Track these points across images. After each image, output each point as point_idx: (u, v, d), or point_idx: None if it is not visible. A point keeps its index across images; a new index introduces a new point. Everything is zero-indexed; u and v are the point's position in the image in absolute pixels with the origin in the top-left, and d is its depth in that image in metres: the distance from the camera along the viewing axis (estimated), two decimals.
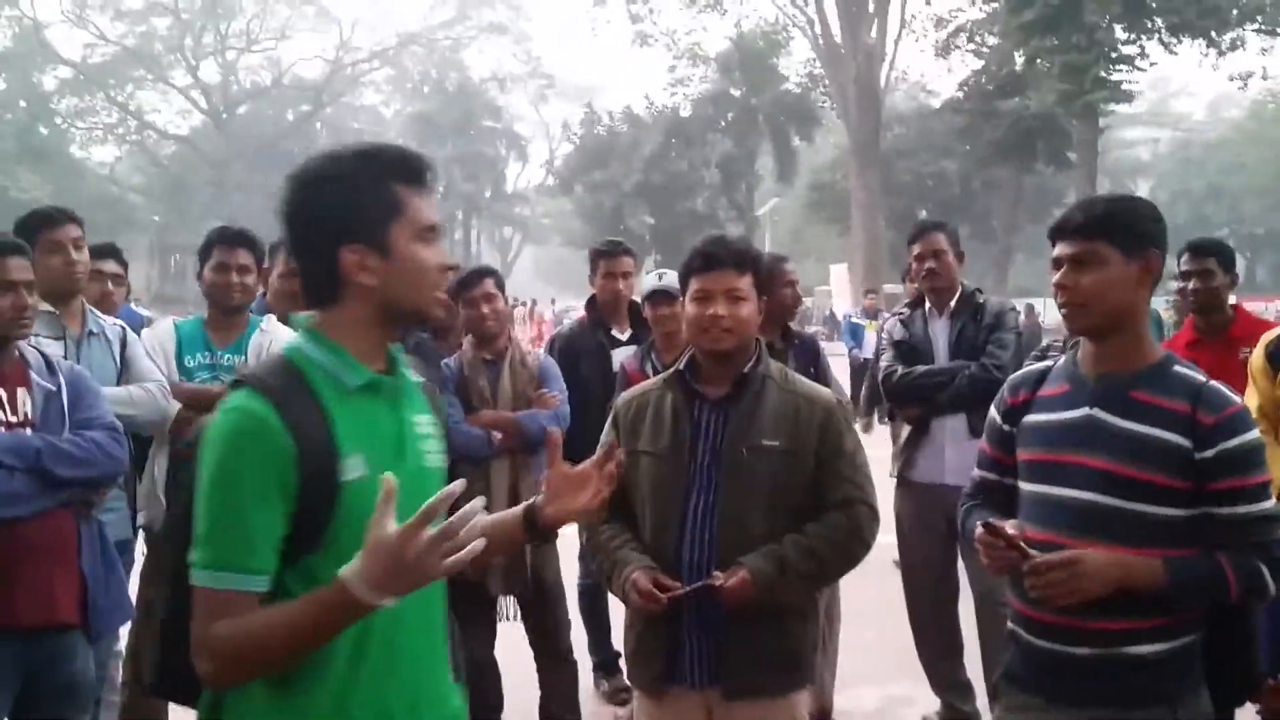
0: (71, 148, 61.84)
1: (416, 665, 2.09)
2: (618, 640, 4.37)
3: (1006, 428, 2.91)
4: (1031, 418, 2.83)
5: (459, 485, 1.80)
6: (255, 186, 55.97)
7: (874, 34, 42.16)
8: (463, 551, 1.76)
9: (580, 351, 5.69)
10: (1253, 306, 7.54)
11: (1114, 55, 33.74)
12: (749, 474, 3.16)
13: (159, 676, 2.15)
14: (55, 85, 60.48)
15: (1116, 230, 2.64)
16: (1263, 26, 34.69)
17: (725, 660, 3.14)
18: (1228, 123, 65.40)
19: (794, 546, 3.12)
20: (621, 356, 5.46)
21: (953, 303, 5.19)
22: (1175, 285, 6.00)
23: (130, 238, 47.60)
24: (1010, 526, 2.70)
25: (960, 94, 43.19)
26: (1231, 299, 5.33)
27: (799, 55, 49.47)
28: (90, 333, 4.30)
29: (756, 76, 48.04)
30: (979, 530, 2.70)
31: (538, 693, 4.96)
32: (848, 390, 7.00)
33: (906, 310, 5.47)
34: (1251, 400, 4.09)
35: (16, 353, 3.53)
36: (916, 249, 5.25)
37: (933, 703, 5.35)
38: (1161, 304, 13.47)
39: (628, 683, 3.59)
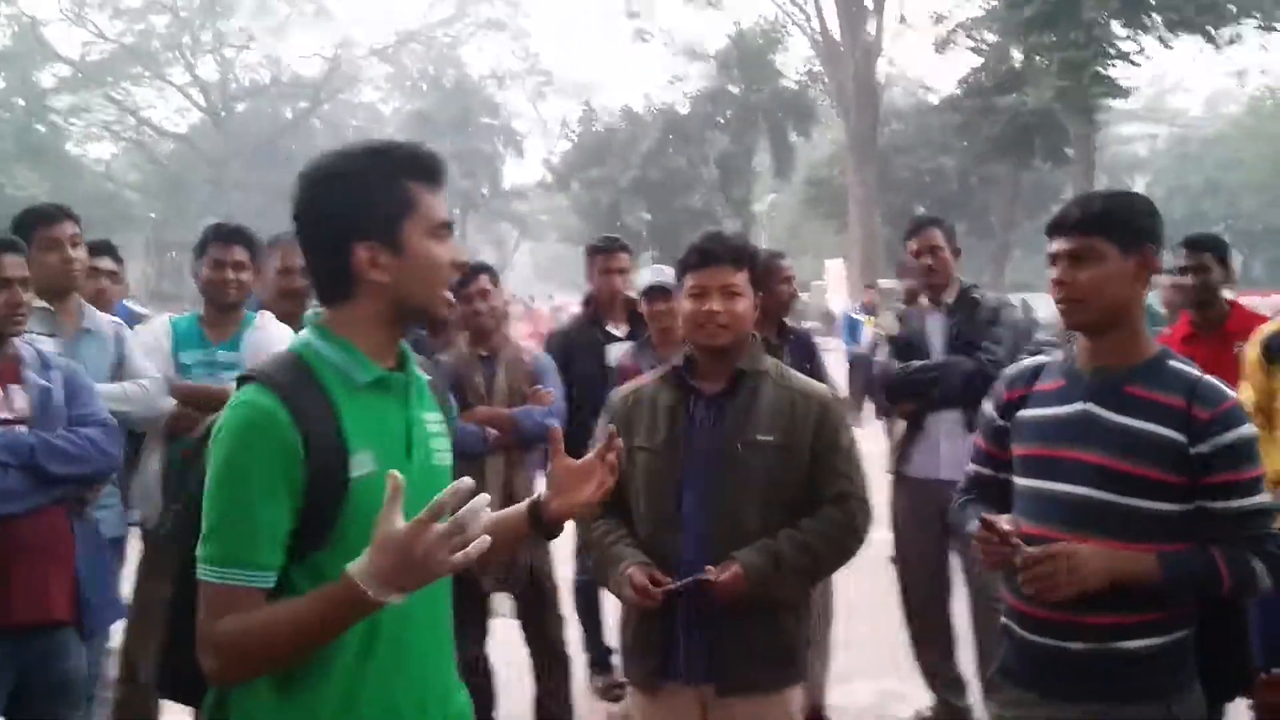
0: (68, 145, 61.68)
1: (424, 662, 2.09)
2: (612, 636, 4.38)
3: (1001, 422, 2.92)
4: (1027, 413, 2.83)
5: (467, 483, 1.79)
6: (253, 184, 55.89)
7: (872, 30, 42.17)
8: (470, 547, 1.76)
9: (576, 348, 5.69)
10: (1249, 301, 7.57)
11: (1112, 51, 33.73)
12: (744, 469, 3.17)
13: (162, 675, 2.14)
14: (53, 83, 60.36)
15: (1114, 226, 2.65)
16: (1261, 22, 34.69)
17: (719, 656, 3.14)
18: (1225, 118, 65.38)
19: (788, 541, 3.12)
20: (618, 352, 5.47)
21: (949, 298, 5.19)
22: (1165, 280, 6.00)
23: (127, 235, 47.49)
24: (1006, 522, 2.70)
25: (958, 90, 43.15)
26: (1229, 294, 5.33)
27: (797, 52, 49.53)
28: (85, 329, 4.30)
29: (755, 73, 47.97)
30: (974, 525, 2.70)
31: (532, 689, 4.96)
32: (844, 386, 7.01)
33: (902, 306, 5.47)
34: (1246, 395, 4.10)
35: (11, 349, 3.53)
36: (913, 245, 5.24)
37: (926, 698, 5.34)
38: (1153, 296, 13.47)
39: (622, 679, 3.59)
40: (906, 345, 5.24)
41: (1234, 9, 33.50)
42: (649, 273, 5.28)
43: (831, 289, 40.21)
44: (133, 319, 5.30)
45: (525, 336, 21.32)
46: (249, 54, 65.74)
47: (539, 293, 45.71)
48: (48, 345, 3.89)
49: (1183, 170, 63.44)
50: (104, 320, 4.40)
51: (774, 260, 5.34)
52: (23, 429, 3.42)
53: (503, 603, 4.87)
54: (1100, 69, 33.33)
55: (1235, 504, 2.56)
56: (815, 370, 4.99)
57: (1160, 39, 34.24)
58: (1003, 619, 2.87)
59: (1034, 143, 40.39)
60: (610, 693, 5.62)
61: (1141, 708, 2.61)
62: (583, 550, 4.99)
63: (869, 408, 7.39)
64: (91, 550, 3.62)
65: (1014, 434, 2.86)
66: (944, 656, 5.27)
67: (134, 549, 4.53)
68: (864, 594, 5.88)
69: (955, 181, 47.92)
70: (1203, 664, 2.68)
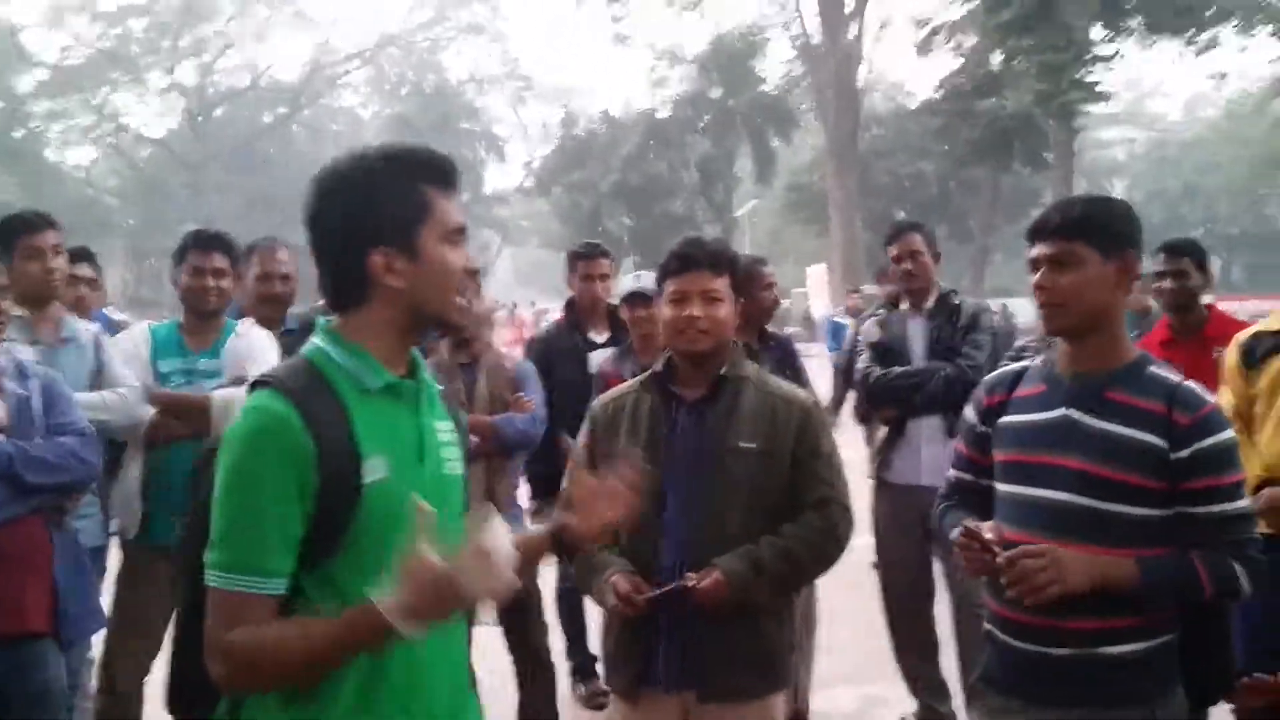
0: (46, 150, 61.40)
1: (438, 675, 2.07)
2: (595, 644, 4.37)
3: (982, 428, 2.92)
4: (1007, 418, 2.84)
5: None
6: (232, 189, 55.75)
7: (852, 35, 42.28)
8: (503, 579, 1.77)
9: (557, 354, 5.69)
10: (1227, 306, 7.60)
11: (1090, 55, 33.89)
12: (726, 475, 3.17)
13: (171, 686, 2.13)
14: (31, 88, 60.07)
15: (1094, 231, 2.65)
16: (1238, 26, 34.91)
17: (700, 662, 3.14)
18: (1203, 122, 65.80)
19: (769, 547, 3.12)
20: (599, 359, 5.46)
21: (929, 303, 5.21)
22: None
23: (105, 241, 47.31)
24: (988, 529, 2.70)
25: (937, 94, 43.31)
26: (1208, 299, 5.35)
27: (777, 56, 49.61)
28: (64, 338, 4.27)
29: (735, 78, 48.05)
30: (956, 533, 2.71)
31: (515, 698, 4.94)
32: (826, 392, 7.00)
33: (883, 311, 5.48)
34: (1225, 400, 4.10)
35: None
36: (893, 250, 5.25)
37: (909, 704, 5.34)
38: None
39: (605, 686, 3.58)
40: (887, 351, 5.25)
41: (1212, 13, 33.70)
42: (629, 279, 5.27)
43: (813, 294, 40.27)
44: (112, 326, 5.28)
45: (508, 343, 21.28)
46: (227, 58, 65.52)
47: (520, 298, 45.69)
48: (26, 353, 3.87)
49: (1161, 174, 63.84)
50: (83, 328, 4.37)
51: (755, 266, 5.34)
52: (0, 438, 3.40)
53: (486, 611, 4.85)
54: (1079, 73, 33.47)
55: (1216, 509, 2.57)
56: (796, 376, 4.99)
57: (1139, 43, 34.41)
58: (985, 625, 2.88)
59: (1013, 147, 40.55)
60: (594, 700, 5.61)
61: (1125, 713, 2.61)
62: (562, 557, 4.98)
63: (846, 412, 7.40)
64: (70, 560, 3.59)
65: (995, 440, 2.86)
66: (926, 662, 5.27)
67: (114, 559, 4.50)
68: (847, 600, 5.88)
69: (935, 186, 48.12)
70: (1185, 668, 2.69)
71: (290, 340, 4.81)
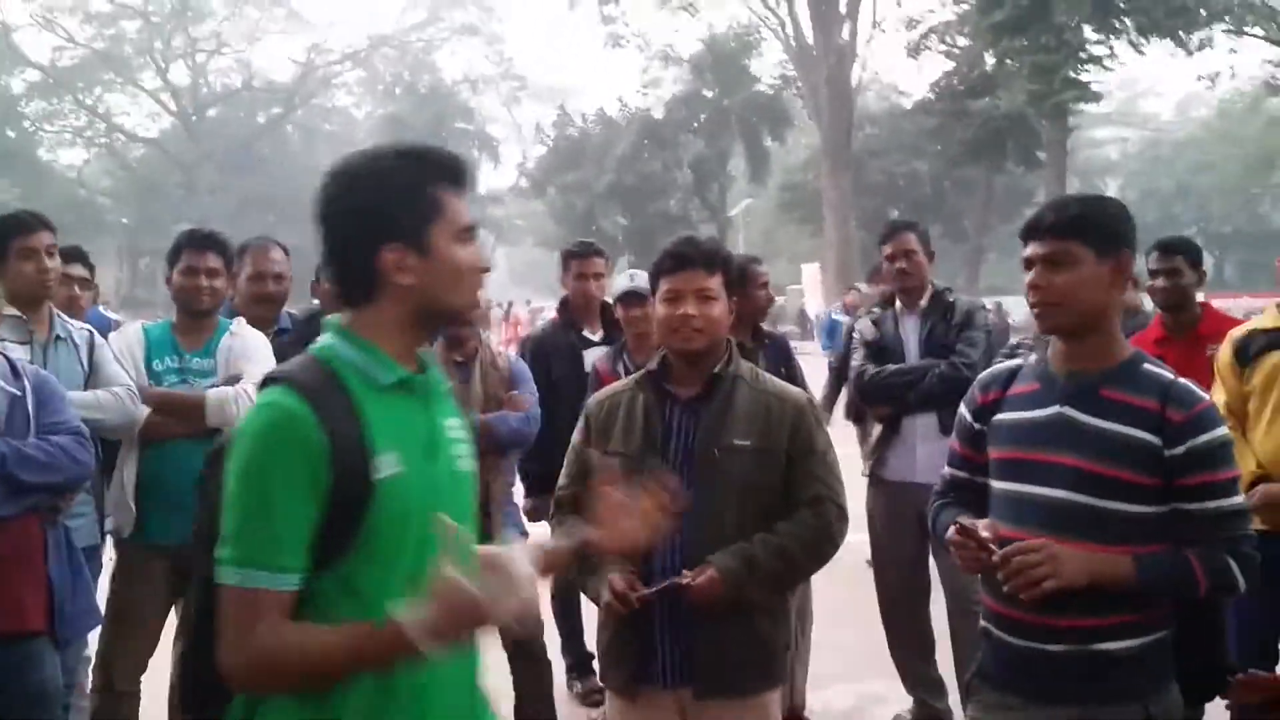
0: (40, 151, 61.42)
1: (453, 678, 2.05)
2: (591, 641, 4.37)
3: (977, 426, 2.92)
4: (1002, 416, 2.84)
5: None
6: (225, 189, 55.66)
7: (845, 35, 42.32)
8: (525, 601, 1.78)
9: (552, 353, 5.69)
10: (1221, 304, 7.63)
11: (1083, 55, 33.95)
12: (721, 474, 3.17)
13: (184, 687, 2.12)
14: (23, 88, 60.03)
15: (1089, 230, 2.66)
16: (1230, 26, 34.97)
17: (697, 660, 3.14)
18: (1196, 122, 65.84)
19: (763, 545, 3.13)
20: (593, 357, 5.46)
21: (923, 302, 5.21)
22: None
23: (99, 241, 47.29)
24: (984, 527, 2.71)
25: (931, 94, 43.38)
26: (1200, 297, 5.36)
27: (771, 56, 49.62)
28: (57, 337, 4.26)
29: (729, 77, 48.11)
30: (951, 531, 2.71)
31: (511, 695, 4.94)
32: (819, 391, 7.00)
33: (878, 309, 5.49)
34: (1219, 397, 4.12)
35: None
36: (887, 249, 5.26)
37: (905, 701, 5.36)
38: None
39: (601, 684, 3.58)
40: (881, 349, 5.26)
41: (1204, 13, 33.76)
42: (623, 278, 5.28)
43: (808, 293, 40.33)
44: (105, 326, 5.27)
45: (504, 342, 21.25)
46: (221, 59, 65.47)
47: (516, 297, 45.69)
48: (19, 353, 3.86)
49: (1154, 173, 63.93)
50: (76, 328, 4.36)
51: (750, 265, 5.34)
52: None
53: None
54: (1071, 73, 33.54)
55: (1211, 505, 2.58)
56: (791, 374, 4.99)
57: (1131, 43, 34.49)
58: (981, 622, 2.88)
59: (1006, 146, 40.66)
60: (590, 698, 5.61)
61: (1120, 709, 2.61)
62: None
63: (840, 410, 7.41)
64: (65, 559, 3.59)
65: (990, 438, 2.87)
66: (922, 659, 5.28)
67: (110, 558, 4.49)
68: (842, 597, 5.89)
69: (929, 185, 48.20)
70: (1179, 664, 2.69)
71: (283, 340, 4.81)
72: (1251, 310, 8.27)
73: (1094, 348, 2.71)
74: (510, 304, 37.25)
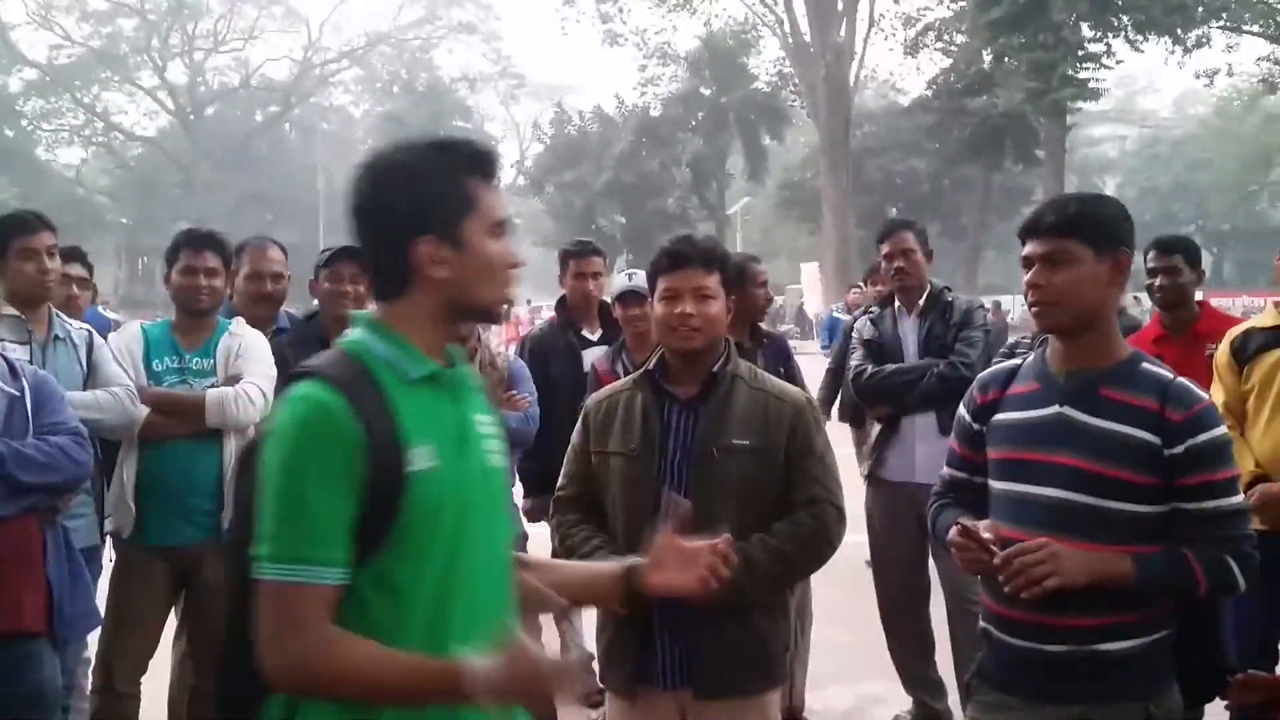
0: (37, 150, 61.37)
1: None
2: (589, 641, 4.36)
3: (976, 426, 2.92)
4: (1001, 416, 2.84)
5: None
6: (223, 188, 55.60)
7: (843, 33, 42.30)
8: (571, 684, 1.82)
9: (550, 352, 5.68)
10: (1219, 302, 7.61)
11: (1081, 53, 33.97)
12: (719, 473, 3.16)
13: (224, 689, 2.11)
14: (20, 87, 59.97)
15: (1088, 229, 2.65)
16: (1228, 23, 35.01)
17: (697, 661, 3.14)
18: (1194, 119, 65.85)
19: (760, 545, 3.12)
20: (592, 357, 5.45)
21: (921, 301, 5.21)
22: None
23: (97, 240, 47.24)
24: (984, 527, 2.70)
25: (929, 92, 43.40)
26: (1199, 295, 5.35)
27: (769, 54, 49.63)
28: (56, 337, 4.25)
29: (726, 75, 48.08)
30: (953, 532, 2.71)
31: None
32: (816, 392, 7.00)
33: (876, 309, 5.49)
34: (1217, 396, 4.12)
35: None
36: (885, 248, 5.25)
37: (905, 701, 5.35)
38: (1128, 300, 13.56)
39: (601, 684, 3.57)
40: (880, 348, 5.26)
41: (1201, 11, 33.79)
42: (622, 277, 5.27)
43: (807, 292, 40.32)
44: (104, 325, 5.26)
45: (504, 341, 21.25)
46: (218, 57, 65.41)
47: (516, 296, 45.60)
48: (18, 353, 3.86)
49: (1152, 171, 63.92)
50: (75, 328, 4.35)
51: (748, 264, 5.34)
52: None
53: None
54: (1069, 70, 33.56)
55: (1211, 505, 2.58)
56: (790, 374, 4.99)
57: (1129, 41, 34.50)
58: (981, 622, 2.88)
59: (1004, 144, 40.67)
60: (590, 699, 5.60)
61: (1120, 709, 2.61)
62: (559, 555, 4.97)
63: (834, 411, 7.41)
64: (64, 559, 3.58)
65: (989, 437, 2.87)
66: (922, 659, 5.28)
67: (109, 558, 4.48)
68: (842, 598, 5.88)
69: (927, 183, 48.22)
70: (1179, 664, 2.69)
71: (282, 340, 4.81)
72: (1250, 309, 8.28)
73: (1093, 347, 2.71)
74: (511, 303, 37.23)
